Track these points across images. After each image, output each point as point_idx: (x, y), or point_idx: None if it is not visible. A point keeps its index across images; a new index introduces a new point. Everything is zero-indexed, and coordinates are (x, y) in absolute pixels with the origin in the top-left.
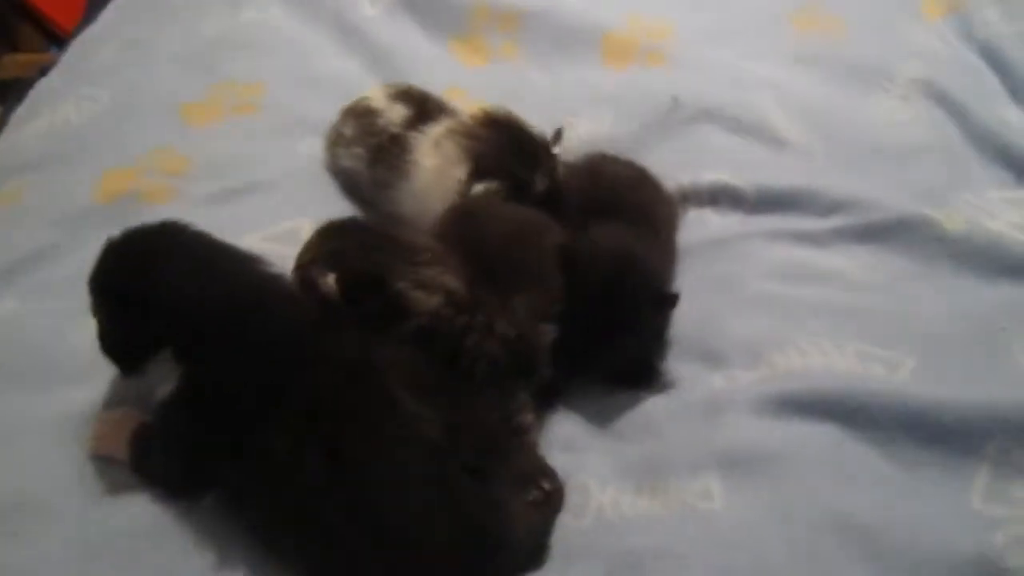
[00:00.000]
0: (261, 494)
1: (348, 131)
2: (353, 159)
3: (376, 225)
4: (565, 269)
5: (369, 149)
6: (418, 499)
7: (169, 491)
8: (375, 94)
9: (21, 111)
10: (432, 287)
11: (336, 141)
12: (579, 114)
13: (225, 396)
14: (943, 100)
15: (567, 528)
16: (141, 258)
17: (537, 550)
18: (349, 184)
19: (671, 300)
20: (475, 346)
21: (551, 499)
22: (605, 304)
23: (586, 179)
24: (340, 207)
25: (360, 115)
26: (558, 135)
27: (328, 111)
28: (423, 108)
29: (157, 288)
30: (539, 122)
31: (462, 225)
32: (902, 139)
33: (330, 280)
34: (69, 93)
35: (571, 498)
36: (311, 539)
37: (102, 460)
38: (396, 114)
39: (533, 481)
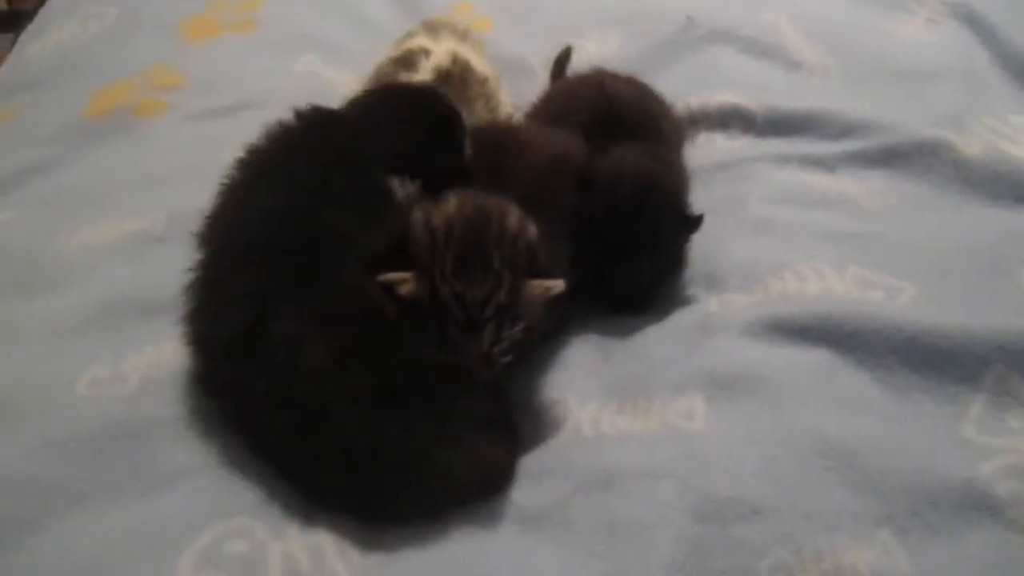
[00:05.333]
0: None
1: None
2: None
3: None
4: (582, 189)
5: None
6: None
7: None
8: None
9: (31, 28)
10: None
11: None
12: (586, 35)
13: None
14: (973, 22)
15: (540, 444)
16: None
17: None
18: None
19: (694, 222)
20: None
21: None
22: (624, 225)
23: (594, 93)
24: None
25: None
26: (566, 55)
27: (328, 27)
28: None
29: None
30: (545, 41)
31: (489, 154)
32: (924, 62)
33: None
34: (76, 11)
35: (548, 414)
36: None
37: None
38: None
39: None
